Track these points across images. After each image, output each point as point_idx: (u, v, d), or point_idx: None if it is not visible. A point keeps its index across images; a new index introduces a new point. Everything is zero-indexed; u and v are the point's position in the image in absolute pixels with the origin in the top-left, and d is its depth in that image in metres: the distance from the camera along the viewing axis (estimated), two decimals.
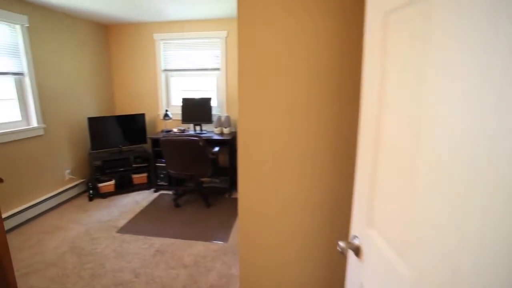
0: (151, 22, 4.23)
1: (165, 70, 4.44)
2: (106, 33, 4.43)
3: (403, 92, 0.69)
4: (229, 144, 3.93)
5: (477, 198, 0.45)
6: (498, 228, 0.41)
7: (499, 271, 0.41)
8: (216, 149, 3.66)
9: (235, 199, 3.85)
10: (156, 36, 4.30)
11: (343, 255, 1.02)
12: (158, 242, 2.87)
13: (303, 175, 1.43)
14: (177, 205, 3.66)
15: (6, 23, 3.00)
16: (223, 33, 4.11)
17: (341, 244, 0.97)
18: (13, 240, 2.89)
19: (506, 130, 0.39)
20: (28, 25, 3.19)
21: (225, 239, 2.92)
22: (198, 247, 2.77)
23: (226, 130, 4.07)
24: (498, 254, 0.41)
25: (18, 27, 3.11)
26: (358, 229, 0.97)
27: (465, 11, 0.47)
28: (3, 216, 3.00)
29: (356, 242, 0.96)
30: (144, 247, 2.78)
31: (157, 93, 4.51)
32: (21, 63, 3.18)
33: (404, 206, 0.68)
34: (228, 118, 4.08)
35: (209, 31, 4.15)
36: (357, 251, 0.95)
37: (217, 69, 4.28)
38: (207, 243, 2.84)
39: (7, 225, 3.00)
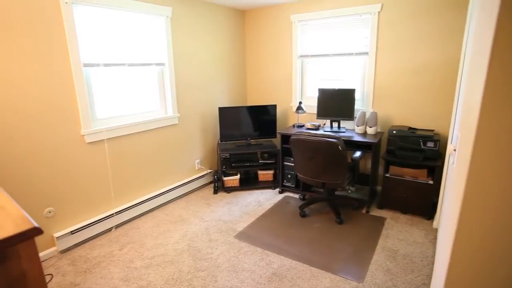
0: (289, 2, 3.73)
1: (302, 56, 3.89)
2: (243, 18, 4.20)
3: None
4: (374, 149, 3.09)
5: None
6: None
7: None
8: (358, 154, 2.90)
9: (376, 218, 3.02)
10: (294, 17, 3.78)
11: None
12: (277, 261, 2.39)
13: None
14: (303, 215, 3.11)
15: (153, 15, 3.03)
16: (376, 7, 3.24)
17: None
18: (146, 224, 2.97)
19: None
20: (171, 16, 3.18)
21: (360, 277, 2.19)
22: (324, 281, 2.15)
23: (370, 130, 3.24)
24: None
25: (163, 19, 3.12)
26: None
27: None
28: (142, 199, 3.12)
29: None
30: (261, 264, 2.35)
31: (291, 82, 4.03)
32: (163, 54, 3.20)
33: None
34: (374, 114, 3.23)
35: (357, 5, 3.35)
36: None
37: (365, 53, 3.44)
38: (335, 278, 2.18)
39: (143, 208, 3.12)
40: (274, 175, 3.96)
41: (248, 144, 3.92)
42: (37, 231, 0.78)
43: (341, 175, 2.78)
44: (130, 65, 2.91)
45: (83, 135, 2.61)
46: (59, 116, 2.44)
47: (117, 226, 2.94)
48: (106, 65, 2.73)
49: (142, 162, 3.13)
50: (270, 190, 3.79)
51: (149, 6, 2.95)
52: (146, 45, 3.03)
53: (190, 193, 3.70)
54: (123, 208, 2.95)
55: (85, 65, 2.59)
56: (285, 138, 3.57)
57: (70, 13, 2.39)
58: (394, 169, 3.05)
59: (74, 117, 2.54)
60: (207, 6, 3.61)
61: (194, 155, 3.75)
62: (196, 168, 3.80)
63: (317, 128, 3.54)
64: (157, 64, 3.17)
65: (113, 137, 2.83)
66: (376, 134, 3.24)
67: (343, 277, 2.19)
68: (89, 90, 2.65)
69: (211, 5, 3.65)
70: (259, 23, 4.11)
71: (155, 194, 3.24)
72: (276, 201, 3.48)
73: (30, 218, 0.81)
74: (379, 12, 3.26)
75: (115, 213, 2.89)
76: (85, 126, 2.61)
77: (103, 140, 2.76)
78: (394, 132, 3.01)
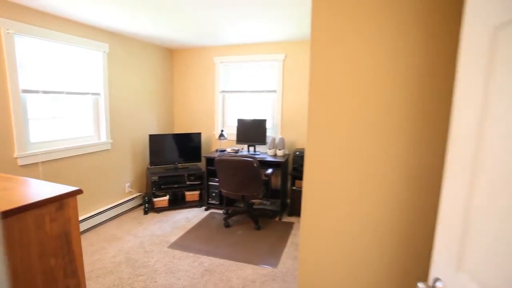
0: (212, 46, 4.45)
1: (223, 91, 4.59)
2: (171, 56, 4.76)
3: None
4: (282, 167, 3.86)
5: None
6: None
7: None
8: (270, 171, 3.61)
9: (286, 223, 3.72)
10: (216, 59, 4.50)
11: None
12: (207, 261, 2.84)
13: (376, 196, 1.30)
14: (227, 225, 3.63)
15: (92, 50, 3.36)
16: (281, 56, 4.17)
17: (420, 286, 0.84)
18: None
19: None
20: (108, 52, 3.55)
21: (274, 264, 2.79)
22: (247, 271, 2.69)
23: (279, 152, 4.02)
24: None
25: (100, 53, 3.47)
26: (442, 271, 0.83)
27: None
28: None
29: (439, 285, 0.82)
30: (194, 265, 2.77)
31: (213, 113, 4.66)
32: (99, 84, 3.51)
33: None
34: (282, 140, 4.04)
35: (267, 54, 4.24)
36: None
37: (273, 91, 4.31)
38: (256, 267, 2.74)
39: None
40: (200, 195, 4.42)
41: (176, 167, 4.33)
42: (79, 191, 1.37)
43: (257, 188, 3.43)
44: (68, 93, 3.15)
45: (16, 158, 2.72)
46: None
47: None
48: (45, 92, 2.94)
49: (75, 185, 3.27)
50: (197, 208, 4.22)
51: (89, 42, 3.28)
52: (84, 75, 3.31)
53: (121, 214, 3.89)
54: None
55: (24, 91, 2.77)
56: (210, 161, 4.11)
57: (12, 42, 2.62)
58: (299, 183, 3.85)
59: (8, 140, 2.67)
60: (140, 43, 4.06)
61: (125, 178, 3.98)
62: (126, 191, 4.02)
63: (236, 151, 4.19)
64: (93, 94, 3.45)
65: (48, 160, 2.98)
66: (284, 155, 4.03)
67: (261, 266, 2.76)
68: (24, 115, 2.81)
69: (143, 43, 4.12)
70: (186, 61, 4.71)
71: (86, 216, 3.37)
72: (203, 217, 3.93)
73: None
74: (283, 60, 4.19)
75: None
76: (19, 149, 2.73)
77: (37, 163, 2.89)
78: (297, 153, 3.84)
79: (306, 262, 1.48)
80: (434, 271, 0.88)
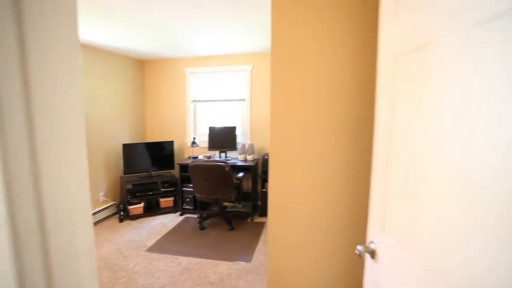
0: (183, 57, 4.65)
1: (194, 100, 4.79)
2: (143, 67, 4.89)
3: (410, 114, 0.88)
4: (253, 170, 4.13)
5: (477, 197, 0.62)
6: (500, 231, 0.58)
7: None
8: (241, 174, 3.85)
9: (258, 223, 3.97)
10: (187, 70, 4.70)
11: (360, 257, 1.16)
12: (184, 261, 3.02)
13: (327, 184, 1.59)
14: (202, 228, 3.82)
15: None
16: (249, 67, 4.46)
17: (359, 247, 1.12)
18: None
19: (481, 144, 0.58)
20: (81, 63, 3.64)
21: (248, 260, 3.03)
22: (223, 267, 2.90)
23: (249, 157, 4.28)
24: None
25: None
26: (374, 234, 1.12)
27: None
28: None
29: (372, 246, 1.11)
30: (172, 265, 2.94)
31: (185, 122, 4.84)
32: None
33: (411, 211, 0.85)
34: (251, 145, 4.31)
35: (236, 65, 4.51)
36: (372, 254, 1.09)
37: (242, 99, 4.58)
38: (231, 263, 2.96)
39: None
40: (174, 201, 4.56)
41: (150, 175, 4.45)
42: None
43: (229, 191, 3.66)
44: None
45: None
46: None
47: None
48: None
49: None
50: (172, 214, 4.37)
51: None
52: None
53: (96, 224, 3.95)
54: None
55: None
56: (183, 167, 4.29)
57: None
58: (268, 185, 4.12)
59: None
60: (111, 55, 4.18)
61: (99, 188, 4.05)
62: (101, 200, 4.09)
63: (209, 157, 4.40)
64: None
65: None
66: (253, 160, 4.30)
67: (236, 262, 2.99)
68: None
69: (114, 55, 4.24)
70: (157, 72, 4.86)
71: None
72: (178, 222, 4.08)
73: None
74: (251, 70, 4.48)
75: None
76: None
77: None
78: (266, 157, 4.12)
79: (274, 245, 1.73)
80: (369, 236, 1.17)
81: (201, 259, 3.06)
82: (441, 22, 0.68)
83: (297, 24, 1.52)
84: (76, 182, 0.64)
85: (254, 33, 3.26)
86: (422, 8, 0.78)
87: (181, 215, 4.34)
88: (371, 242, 1.13)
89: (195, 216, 4.29)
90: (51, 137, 0.54)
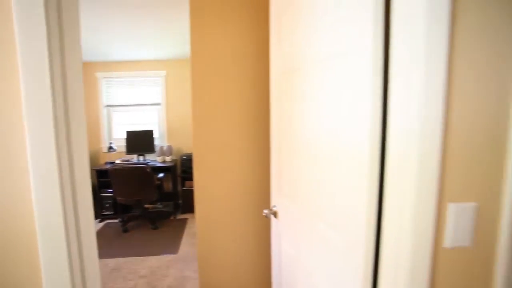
0: (94, 61, 4.58)
1: (107, 105, 4.75)
2: None
3: (290, 111, 1.36)
4: (172, 171, 4.37)
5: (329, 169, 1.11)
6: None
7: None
8: (161, 175, 4.06)
9: (181, 220, 4.24)
10: (99, 74, 4.64)
11: (267, 217, 1.63)
12: (112, 262, 3.13)
13: (241, 168, 2.03)
14: (125, 231, 3.90)
15: None
16: (163, 72, 4.66)
17: (265, 211, 1.59)
18: None
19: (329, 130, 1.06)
20: None
21: (175, 251, 3.31)
22: (152, 261, 3.12)
23: (168, 158, 4.50)
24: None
25: None
26: (275, 199, 1.60)
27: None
28: None
29: (274, 208, 1.58)
30: (99, 267, 3.02)
31: (99, 127, 4.76)
32: None
33: (294, 176, 1.33)
34: (169, 147, 4.53)
35: (150, 70, 4.66)
36: (275, 214, 1.57)
37: (158, 104, 4.76)
38: (159, 257, 3.20)
39: None
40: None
41: None
42: None
43: (151, 192, 3.85)
44: None
45: None
46: None
47: None
48: None
49: None
50: None
51: None
52: None
53: None
54: None
55: None
56: (101, 173, 4.26)
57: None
58: (188, 183, 4.41)
59: None
60: None
61: None
62: None
63: (127, 161, 4.45)
64: None
65: None
66: (172, 161, 4.53)
67: (164, 255, 3.23)
68: None
69: None
70: None
71: None
72: (99, 228, 4.06)
73: None
74: (165, 76, 4.68)
75: None
76: None
77: None
78: (184, 157, 4.41)
79: (201, 223, 2.10)
80: (272, 201, 1.63)
81: (129, 258, 3.21)
82: (302, 57, 1.17)
83: (211, 37, 1.92)
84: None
85: (169, 41, 3.52)
86: (293, 43, 1.27)
87: (101, 221, 4.30)
88: (274, 206, 1.60)
89: (116, 221, 4.31)
90: None
